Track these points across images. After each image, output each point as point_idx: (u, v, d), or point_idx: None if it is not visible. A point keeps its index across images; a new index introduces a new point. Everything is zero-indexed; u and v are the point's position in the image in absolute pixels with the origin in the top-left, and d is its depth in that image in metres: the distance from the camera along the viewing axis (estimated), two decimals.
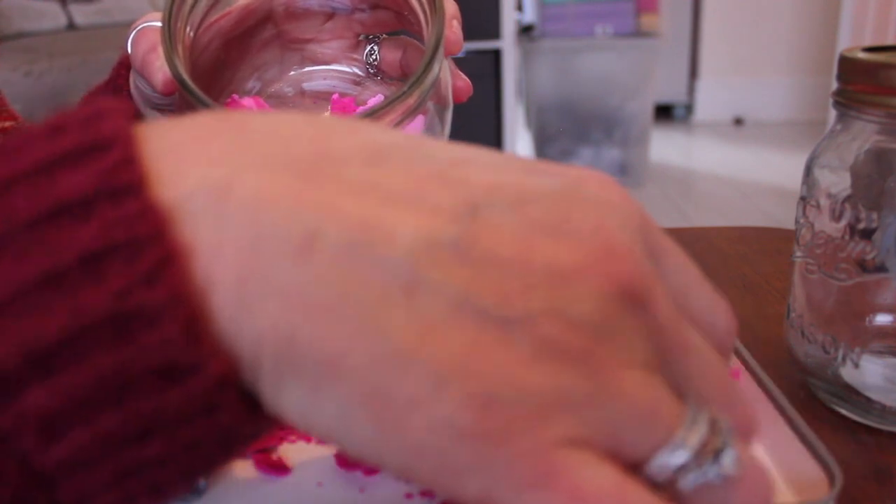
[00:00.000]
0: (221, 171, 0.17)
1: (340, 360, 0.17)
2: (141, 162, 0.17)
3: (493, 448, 0.17)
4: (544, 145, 2.73)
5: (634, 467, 0.19)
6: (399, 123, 0.34)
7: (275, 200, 0.17)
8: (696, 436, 0.19)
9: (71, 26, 2.40)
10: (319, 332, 0.17)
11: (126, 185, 0.17)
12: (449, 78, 0.40)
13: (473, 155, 0.21)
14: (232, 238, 0.17)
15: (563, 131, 2.70)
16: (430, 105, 0.39)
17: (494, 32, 2.62)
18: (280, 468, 0.34)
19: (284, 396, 0.17)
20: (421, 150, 0.20)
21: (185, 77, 0.33)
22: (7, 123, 0.57)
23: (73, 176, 0.17)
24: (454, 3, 0.41)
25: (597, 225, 0.19)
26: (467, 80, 0.42)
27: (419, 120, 0.38)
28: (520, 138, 2.98)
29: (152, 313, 0.16)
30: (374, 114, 0.33)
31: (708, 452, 0.19)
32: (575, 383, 0.18)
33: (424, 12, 0.38)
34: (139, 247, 0.16)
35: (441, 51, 0.36)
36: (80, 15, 2.43)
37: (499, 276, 0.18)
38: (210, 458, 0.18)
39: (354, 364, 0.17)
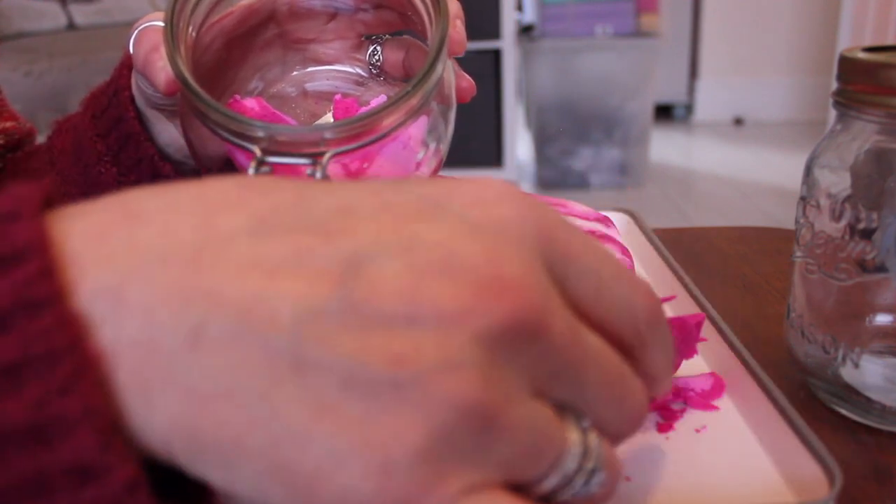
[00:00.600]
0: (113, 275, 0.18)
1: (241, 442, 0.18)
2: (57, 273, 0.18)
3: None
4: (544, 145, 2.73)
5: (523, 489, 0.21)
6: (402, 124, 0.34)
7: (163, 299, 0.18)
8: (573, 461, 0.21)
9: (71, 26, 2.40)
10: (216, 420, 0.18)
11: (43, 298, 0.17)
12: (453, 78, 0.40)
13: (360, 199, 0.21)
14: (129, 341, 0.18)
15: (563, 131, 2.70)
16: (433, 105, 0.39)
17: (494, 32, 2.62)
18: None
19: (205, 474, 0.18)
20: (304, 206, 0.20)
21: (188, 77, 0.33)
22: (8, 124, 0.57)
23: None
24: (457, 2, 0.41)
25: (486, 257, 0.19)
26: (471, 80, 0.42)
27: (422, 120, 0.38)
28: (520, 138, 2.98)
29: (67, 422, 0.17)
30: (376, 114, 0.33)
31: (581, 474, 0.21)
32: (466, 436, 0.18)
33: (428, 12, 0.38)
34: (55, 358, 0.17)
35: (445, 51, 0.36)
36: (80, 15, 2.43)
37: (387, 339, 0.18)
38: None
39: (255, 445, 0.18)
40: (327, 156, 0.32)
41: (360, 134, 0.33)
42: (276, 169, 0.33)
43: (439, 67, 0.35)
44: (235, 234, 0.19)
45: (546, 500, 0.21)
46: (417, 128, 0.38)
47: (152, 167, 0.46)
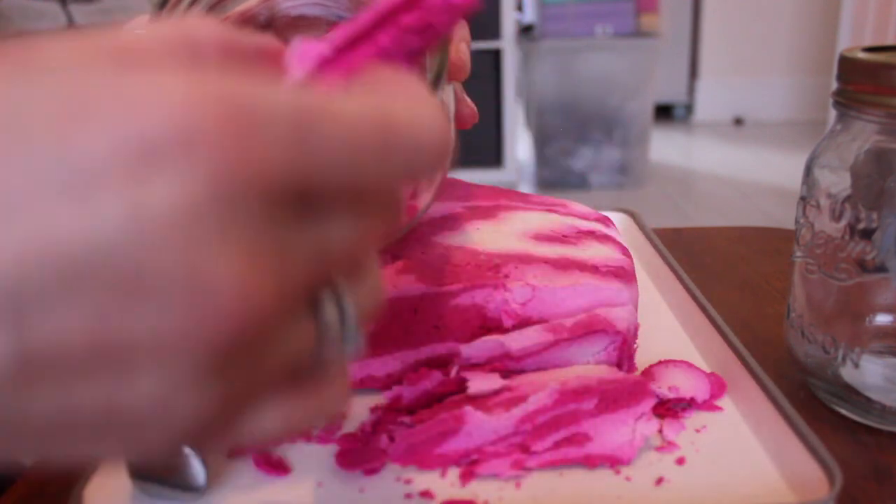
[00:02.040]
0: None
1: None
2: None
3: None
4: (544, 145, 2.73)
5: None
6: None
7: None
8: (330, 338, 0.21)
9: (71, 26, 2.40)
10: None
11: None
12: (453, 105, 0.39)
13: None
14: None
15: (563, 131, 2.70)
16: None
17: (494, 32, 2.62)
18: (280, 468, 0.34)
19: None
20: None
21: None
22: None
23: None
24: (464, 23, 0.40)
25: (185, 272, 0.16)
26: (473, 107, 0.41)
27: None
28: (520, 138, 2.98)
29: None
30: None
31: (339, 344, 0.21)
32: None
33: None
34: None
35: (443, 82, 0.34)
36: (81, 15, 2.44)
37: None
38: None
39: None
40: None
41: None
42: None
43: (437, 97, 0.34)
44: None
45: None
46: None
47: None
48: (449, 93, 0.38)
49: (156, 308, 0.16)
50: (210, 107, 0.16)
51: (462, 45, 0.38)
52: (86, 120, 0.16)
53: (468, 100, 0.41)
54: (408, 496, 0.33)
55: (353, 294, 0.21)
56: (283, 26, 0.44)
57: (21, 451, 0.18)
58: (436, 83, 0.34)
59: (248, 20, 0.43)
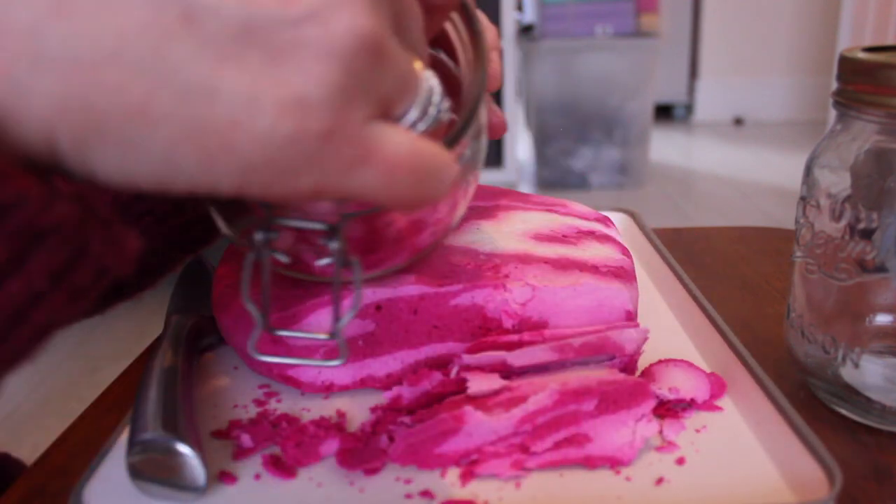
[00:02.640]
0: None
1: (144, 108, 0.17)
2: None
3: (317, 143, 0.19)
4: (544, 145, 2.73)
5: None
6: None
7: None
8: (426, 94, 0.24)
9: None
10: (110, 88, 0.16)
11: None
12: (485, 116, 0.38)
13: None
14: None
15: (563, 131, 2.70)
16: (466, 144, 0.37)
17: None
18: (287, 471, 0.34)
19: (95, 161, 0.17)
20: None
21: None
22: None
23: None
24: (494, 29, 0.39)
25: None
26: (502, 116, 0.40)
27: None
28: (520, 138, 2.98)
29: None
30: None
31: (433, 105, 0.24)
32: (366, 64, 0.20)
33: (461, 38, 0.36)
34: None
35: (483, 105, 0.33)
36: None
37: None
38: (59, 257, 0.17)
39: (160, 108, 0.17)
40: (343, 222, 0.30)
41: None
42: (285, 233, 0.30)
43: (477, 122, 0.33)
44: None
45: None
46: None
47: None
48: (484, 105, 0.37)
49: None
50: None
51: (494, 55, 0.38)
52: None
53: (498, 109, 0.40)
54: (408, 496, 0.33)
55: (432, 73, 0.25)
56: None
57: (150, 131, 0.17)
58: (474, 109, 0.32)
59: None
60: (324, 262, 0.31)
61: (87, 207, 0.18)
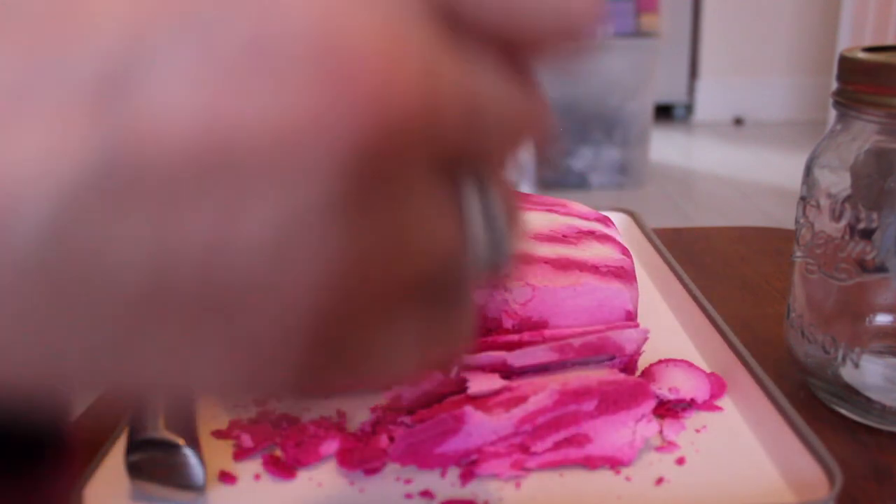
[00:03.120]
0: None
1: None
2: None
3: None
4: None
5: None
6: None
7: None
8: (477, 243, 0.17)
9: None
10: None
11: None
12: None
13: None
14: None
15: (562, 131, 2.70)
16: None
17: None
18: (287, 471, 0.34)
19: None
20: None
21: None
22: None
23: None
24: None
25: (324, 23, 0.13)
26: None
27: None
28: None
29: None
30: None
31: (489, 245, 0.17)
32: None
33: None
34: None
35: None
36: None
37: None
38: None
39: None
40: None
41: None
42: None
43: None
44: None
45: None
46: None
47: None
48: None
49: (290, 83, 0.12)
50: None
51: None
52: None
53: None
54: (408, 496, 0.33)
55: (500, 193, 0.17)
56: None
57: (87, 342, 0.13)
58: None
59: None
60: None
61: None
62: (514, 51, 0.17)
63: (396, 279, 0.15)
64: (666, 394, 0.38)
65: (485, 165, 0.17)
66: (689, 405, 0.39)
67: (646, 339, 0.40)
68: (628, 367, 0.40)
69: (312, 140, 0.12)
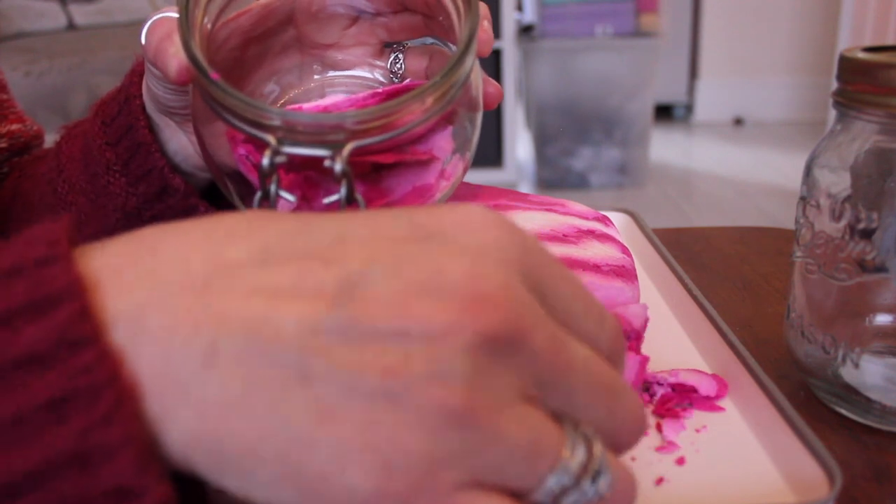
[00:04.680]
0: (131, 304, 0.20)
1: (255, 451, 0.20)
2: (93, 312, 0.20)
3: (399, 501, 0.20)
4: (544, 145, 2.73)
5: (525, 494, 0.21)
6: (428, 119, 0.33)
7: (177, 324, 0.20)
8: (575, 462, 0.21)
9: (71, 26, 2.40)
10: (232, 431, 0.20)
11: (83, 336, 0.19)
12: (480, 81, 0.39)
13: (356, 227, 0.22)
14: (148, 366, 0.20)
15: (563, 131, 2.70)
16: (459, 112, 0.37)
17: (494, 32, 2.62)
18: None
19: (223, 483, 0.20)
20: (305, 234, 0.22)
21: (201, 59, 0.32)
22: (14, 126, 0.57)
23: (34, 328, 0.19)
24: (485, 4, 0.40)
25: (469, 274, 0.21)
26: (498, 86, 0.40)
27: (447, 130, 0.37)
28: (520, 138, 2.98)
29: (110, 449, 0.19)
30: (402, 103, 0.32)
31: (587, 475, 0.21)
32: (456, 438, 0.20)
33: (458, 10, 0.36)
34: (97, 391, 0.19)
35: (474, 45, 0.34)
36: (80, 15, 2.43)
37: (381, 352, 0.20)
38: None
39: (268, 453, 0.20)
40: (348, 147, 0.31)
41: (384, 126, 0.32)
42: (292, 159, 0.31)
43: (468, 61, 0.34)
44: (242, 262, 0.21)
45: None
46: (443, 138, 0.37)
47: (162, 178, 0.45)
48: (477, 68, 0.38)
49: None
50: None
51: (485, 23, 0.38)
52: None
53: (491, 79, 0.41)
54: None
55: (601, 431, 0.22)
56: (302, 22, 0.44)
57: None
58: (465, 50, 0.33)
59: (269, 14, 0.43)
60: (331, 199, 0.32)
61: None
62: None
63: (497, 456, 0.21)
64: (665, 377, 0.39)
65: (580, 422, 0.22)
66: (690, 405, 0.39)
67: (647, 316, 0.40)
68: (636, 343, 0.40)
69: None
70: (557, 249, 0.43)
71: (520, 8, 2.84)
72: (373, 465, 0.20)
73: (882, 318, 0.39)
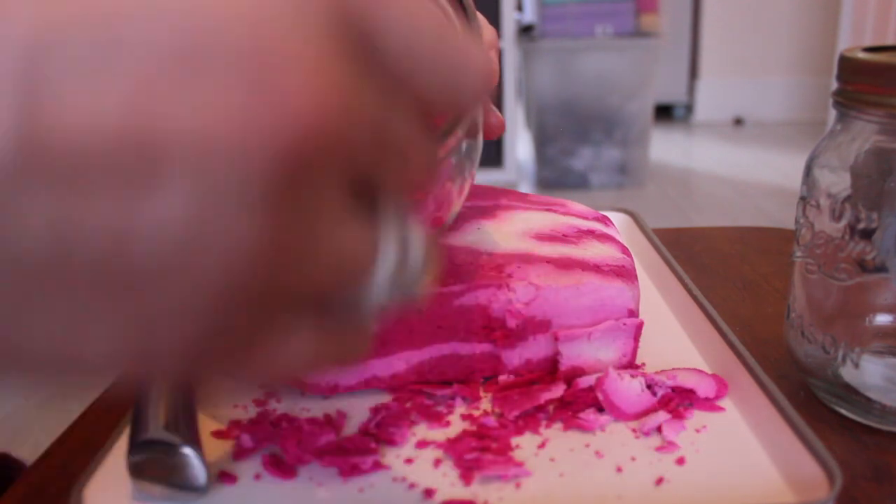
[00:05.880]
0: None
1: None
2: None
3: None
4: (544, 145, 2.73)
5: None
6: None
7: None
8: (387, 267, 0.19)
9: None
10: None
11: None
12: (480, 116, 0.38)
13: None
14: None
15: (563, 131, 2.70)
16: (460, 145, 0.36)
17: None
18: (287, 471, 0.35)
19: None
20: None
21: None
22: None
23: None
24: (493, 30, 0.38)
25: (253, 36, 0.14)
26: (500, 116, 0.39)
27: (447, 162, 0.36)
28: (520, 138, 2.98)
29: None
30: None
31: (400, 272, 0.19)
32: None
33: None
34: None
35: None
36: None
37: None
38: None
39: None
40: None
41: None
42: None
43: (466, 118, 0.32)
44: None
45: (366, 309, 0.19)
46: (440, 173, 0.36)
47: None
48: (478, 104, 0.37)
49: (212, 87, 0.13)
50: None
51: (491, 53, 0.37)
52: None
53: (495, 110, 0.40)
54: (408, 496, 0.33)
55: (418, 230, 0.19)
56: None
57: None
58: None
59: None
60: None
61: None
62: (423, 104, 0.19)
63: (299, 282, 0.16)
64: (664, 380, 0.39)
65: (401, 194, 0.19)
66: (691, 404, 0.39)
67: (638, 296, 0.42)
68: (636, 333, 0.41)
69: (230, 139, 0.14)
70: (558, 249, 0.43)
71: (520, 8, 2.84)
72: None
73: (882, 318, 0.39)
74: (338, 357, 0.19)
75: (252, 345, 0.17)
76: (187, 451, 0.32)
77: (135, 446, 0.32)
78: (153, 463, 0.32)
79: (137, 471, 0.32)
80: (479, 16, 0.36)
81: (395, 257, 0.19)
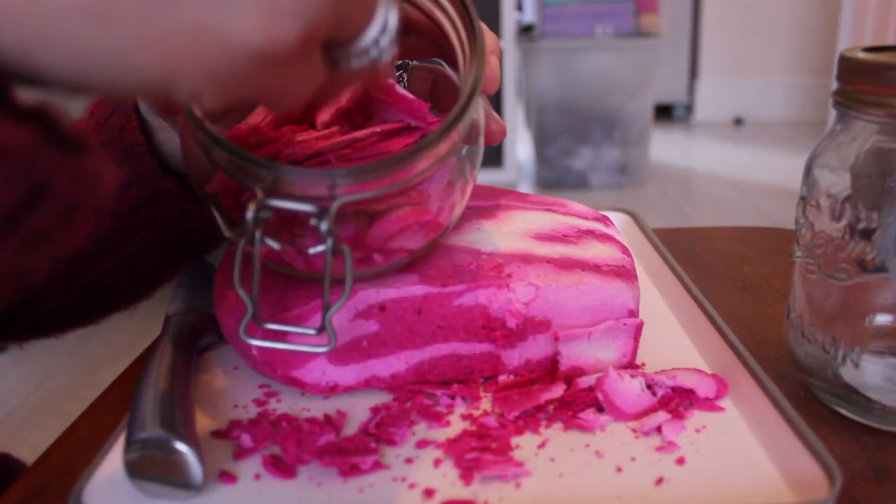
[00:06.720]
0: None
1: (100, 9, 0.16)
2: None
3: (280, 62, 0.20)
4: (544, 145, 2.73)
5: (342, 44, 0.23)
6: (425, 172, 0.33)
7: None
8: (377, 27, 0.26)
9: None
10: None
11: None
12: (482, 119, 0.38)
13: None
14: None
15: (563, 131, 2.70)
16: (461, 150, 0.37)
17: (494, 32, 2.62)
18: (287, 471, 0.34)
19: (41, 59, 0.16)
20: None
21: (194, 111, 0.31)
22: None
23: None
24: (495, 36, 0.39)
25: None
26: (501, 122, 0.40)
27: (449, 163, 0.36)
28: (520, 138, 2.98)
29: None
30: (397, 163, 0.31)
31: (385, 36, 0.26)
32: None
33: (462, 48, 0.36)
34: None
35: (477, 96, 0.33)
36: None
37: None
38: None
39: (119, 10, 0.16)
40: (335, 204, 0.30)
41: (377, 181, 0.31)
42: (277, 214, 0.30)
43: (470, 113, 0.33)
44: None
45: (355, 58, 0.26)
46: (441, 177, 0.37)
47: (154, 181, 0.45)
48: (480, 107, 0.37)
49: None
50: None
51: (493, 58, 0.37)
52: None
53: (496, 115, 0.40)
54: (408, 496, 0.33)
55: (396, 11, 0.26)
56: None
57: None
58: (470, 97, 0.33)
59: None
60: (317, 249, 0.31)
61: (48, 129, 0.17)
62: None
63: (341, 23, 0.22)
64: (664, 380, 0.39)
65: None
66: (691, 404, 0.39)
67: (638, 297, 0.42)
68: (636, 333, 0.40)
69: None
70: (558, 249, 0.43)
71: (520, 8, 2.84)
72: (259, 13, 0.17)
73: (882, 318, 0.39)
74: (332, 89, 0.25)
75: (293, 64, 0.21)
76: (183, 448, 0.32)
77: (131, 444, 0.32)
78: (149, 461, 0.32)
79: (134, 468, 0.32)
80: (481, 24, 0.36)
81: (381, 22, 0.26)
